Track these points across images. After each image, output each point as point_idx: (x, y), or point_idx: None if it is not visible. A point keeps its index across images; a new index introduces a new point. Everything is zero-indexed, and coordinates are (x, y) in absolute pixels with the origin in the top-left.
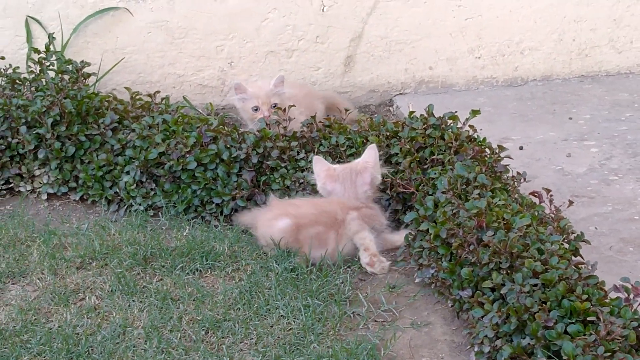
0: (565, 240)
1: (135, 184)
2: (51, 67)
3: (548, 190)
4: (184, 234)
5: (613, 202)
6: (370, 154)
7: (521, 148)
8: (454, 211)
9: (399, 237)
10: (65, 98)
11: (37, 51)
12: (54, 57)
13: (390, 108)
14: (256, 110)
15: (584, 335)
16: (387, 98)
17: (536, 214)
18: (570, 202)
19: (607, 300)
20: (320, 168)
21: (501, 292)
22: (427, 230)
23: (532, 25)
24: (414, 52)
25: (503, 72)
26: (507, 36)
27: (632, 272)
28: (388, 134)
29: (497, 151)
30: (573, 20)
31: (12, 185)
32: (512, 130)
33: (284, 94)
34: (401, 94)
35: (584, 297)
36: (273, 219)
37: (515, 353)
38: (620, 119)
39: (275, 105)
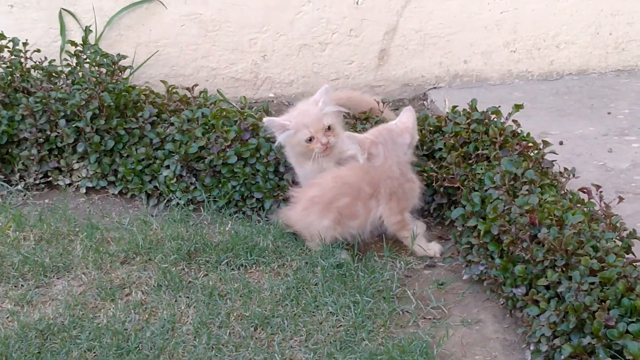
0: (618, 238)
1: (175, 178)
2: (87, 60)
3: (598, 187)
4: (227, 228)
5: None
6: (409, 116)
7: (561, 143)
8: (506, 207)
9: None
10: (103, 91)
11: (73, 44)
12: (90, 50)
13: (424, 102)
14: (311, 140)
15: None
16: (420, 92)
17: (587, 210)
18: (620, 199)
19: None
20: (354, 141)
21: (558, 290)
22: (475, 226)
23: (568, 19)
24: (449, 45)
25: (538, 66)
26: (542, 30)
27: None
28: (431, 128)
29: (541, 147)
30: (610, 14)
31: (50, 178)
32: (550, 125)
33: (335, 111)
34: (435, 87)
35: None
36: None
37: (575, 352)
38: None
39: (330, 128)
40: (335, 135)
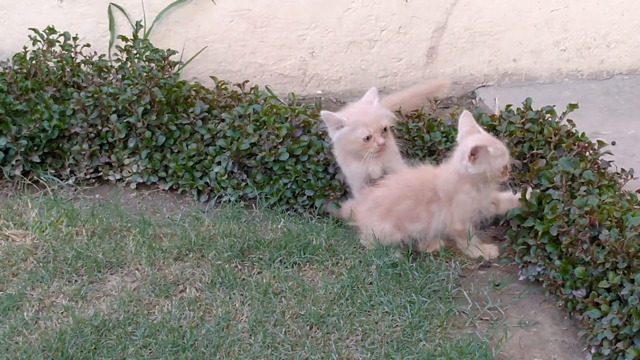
0: None
1: (226, 175)
2: (137, 55)
3: None
4: (279, 226)
5: None
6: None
7: (614, 143)
8: (565, 208)
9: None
10: (154, 86)
11: (124, 39)
12: (140, 45)
13: (472, 100)
14: (368, 139)
15: None
16: (469, 90)
17: None
18: None
19: None
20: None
21: (619, 293)
22: (532, 227)
23: (619, 18)
24: (498, 43)
25: (588, 65)
26: (593, 29)
27: None
28: (485, 127)
29: (596, 147)
30: None
31: (101, 174)
32: (602, 125)
33: (389, 114)
34: (484, 86)
35: None
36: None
37: (639, 356)
38: None
39: (386, 130)
40: (389, 138)
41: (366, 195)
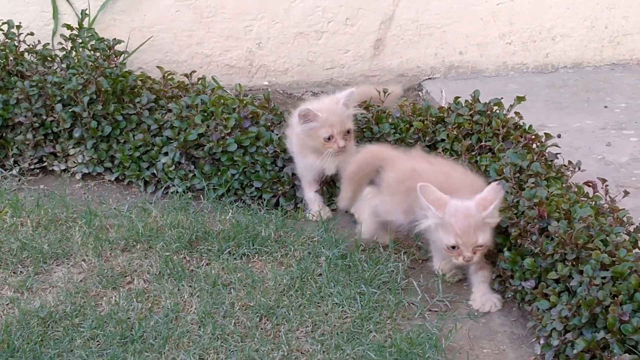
0: (625, 232)
1: (173, 165)
2: (82, 44)
3: (604, 180)
4: (227, 217)
5: None
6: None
7: (559, 136)
8: (514, 200)
9: None
10: (100, 76)
11: (69, 27)
12: (86, 34)
13: (419, 93)
14: (329, 139)
15: None
16: (416, 82)
17: (593, 204)
18: (626, 193)
19: None
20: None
21: (569, 284)
22: None
23: (564, 12)
24: (445, 36)
25: (534, 59)
26: (538, 22)
27: None
28: (433, 119)
29: (543, 139)
30: (605, 7)
31: (45, 164)
32: (547, 118)
33: (355, 114)
34: (430, 78)
35: None
36: None
37: (589, 347)
38: None
39: (349, 132)
40: (351, 139)
41: None
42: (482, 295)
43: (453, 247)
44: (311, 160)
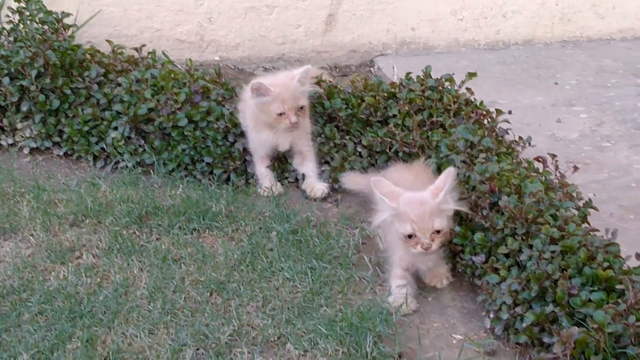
0: (574, 207)
1: (123, 140)
2: (30, 17)
3: (553, 156)
4: (178, 192)
5: (609, 168)
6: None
7: (510, 112)
8: (466, 175)
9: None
10: (48, 49)
11: (17, 0)
12: (34, 7)
13: (371, 69)
14: (281, 115)
15: (607, 303)
16: (367, 59)
17: (543, 179)
18: (576, 168)
19: (628, 269)
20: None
21: (519, 258)
22: None
23: None
24: (396, 12)
25: (485, 35)
26: None
27: (636, 239)
28: (385, 95)
29: (494, 115)
30: None
31: None
32: (498, 94)
33: (309, 91)
34: (382, 54)
35: (605, 264)
36: None
37: (538, 320)
38: (606, 85)
39: (302, 109)
40: (304, 116)
41: None
42: None
43: (410, 237)
44: (265, 135)
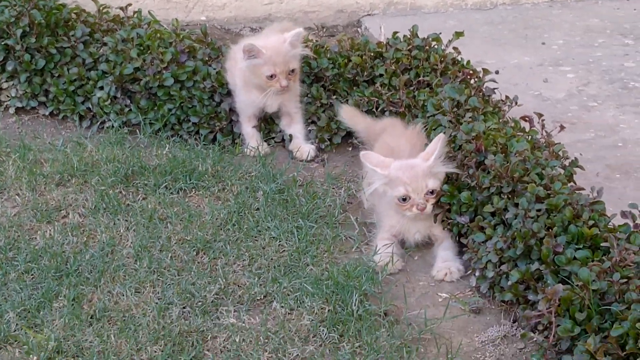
0: (560, 166)
1: (109, 100)
2: None
3: (540, 115)
4: (164, 152)
5: (595, 128)
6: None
7: (497, 72)
8: (452, 134)
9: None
10: (33, 8)
11: None
12: None
13: (358, 29)
14: (272, 78)
15: (592, 261)
16: (354, 19)
17: (530, 138)
18: (562, 127)
19: (613, 227)
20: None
21: (505, 217)
22: None
23: None
24: None
25: None
26: None
27: (622, 198)
28: (372, 54)
29: (481, 75)
30: None
31: None
32: (486, 54)
33: (300, 54)
34: (369, 14)
35: (591, 222)
36: None
37: (523, 278)
38: (593, 45)
39: (293, 72)
40: (295, 79)
41: None
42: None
43: (404, 200)
44: (254, 96)
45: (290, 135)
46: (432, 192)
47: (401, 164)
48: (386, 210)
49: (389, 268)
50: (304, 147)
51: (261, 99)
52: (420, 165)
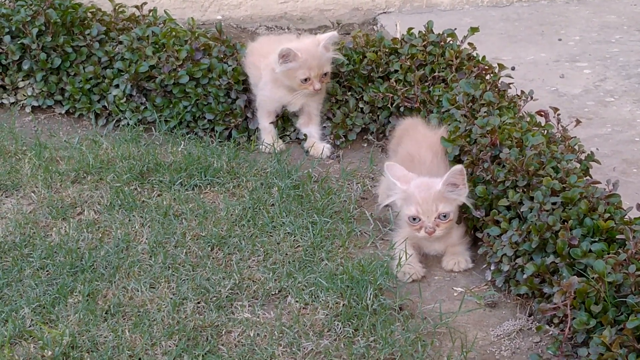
0: (576, 160)
1: (124, 98)
2: None
3: (555, 109)
4: (179, 149)
5: (612, 123)
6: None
7: (513, 68)
8: (467, 128)
9: None
10: (49, 7)
11: None
12: None
13: (374, 27)
14: (306, 81)
15: (608, 253)
16: (370, 17)
17: (545, 132)
18: (578, 121)
19: (629, 219)
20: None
21: (520, 210)
22: None
23: None
24: None
25: None
26: None
27: (639, 192)
28: (387, 50)
29: (496, 70)
30: None
31: None
32: (502, 51)
33: (333, 58)
34: (385, 12)
35: (606, 215)
36: None
37: (538, 271)
38: (610, 40)
39: (326, 75)
40: (327, 82)
41: None
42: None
43: (414, 219)
44: (281, 93)
45: (306, 135)
46: (444, 216)
47: (421, 182)
48: (404, 223)
49: (413, 276)
50: (318, 145)
51: (287, 97)
52: (435, 187)
